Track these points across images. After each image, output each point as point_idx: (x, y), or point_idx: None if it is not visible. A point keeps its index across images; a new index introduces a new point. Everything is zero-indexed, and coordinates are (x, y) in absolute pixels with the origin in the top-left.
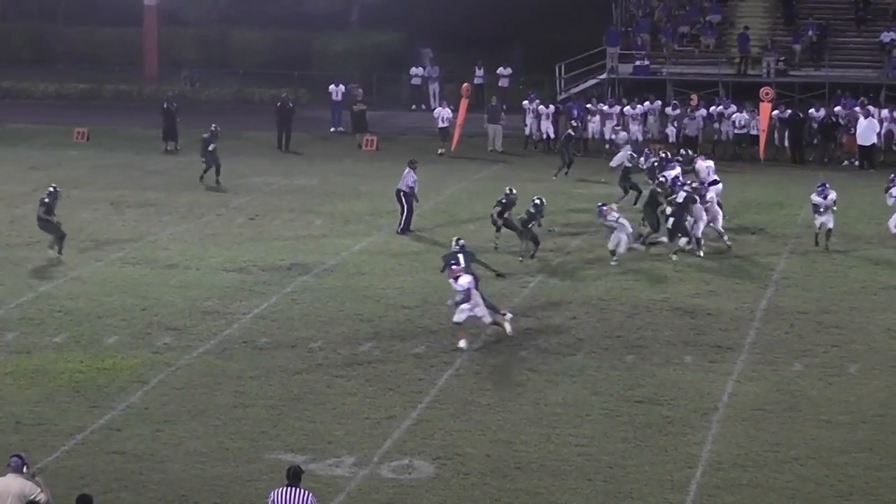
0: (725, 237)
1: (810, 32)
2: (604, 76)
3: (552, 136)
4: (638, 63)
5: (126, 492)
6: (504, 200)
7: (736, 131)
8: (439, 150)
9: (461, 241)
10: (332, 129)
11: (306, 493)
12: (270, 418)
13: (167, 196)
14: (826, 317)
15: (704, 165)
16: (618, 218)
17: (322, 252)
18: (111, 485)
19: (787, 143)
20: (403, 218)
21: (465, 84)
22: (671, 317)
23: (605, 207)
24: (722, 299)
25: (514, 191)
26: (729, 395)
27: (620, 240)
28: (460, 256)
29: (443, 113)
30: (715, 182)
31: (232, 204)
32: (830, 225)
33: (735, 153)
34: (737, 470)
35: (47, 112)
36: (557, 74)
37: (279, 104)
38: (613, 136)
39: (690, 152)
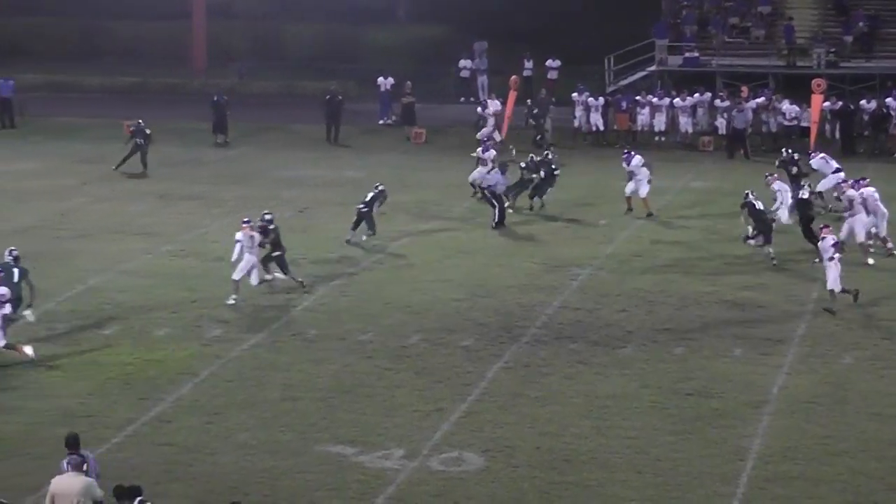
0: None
1: (861, 23)
2: (653, 68)
3: (602, 128)
4: (687, 55)
5: (176, 483)
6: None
7: (786, 123)
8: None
9: (14, 252)
10: (381, 122)
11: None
12: (319, 410)
13: (216, 189)
14: (876, 310)
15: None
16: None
17: (370, 244)
18: (161, 476)
19: (837, 135)
20: (495, 213)
21: (514, 77)
22: (721, 309)
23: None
24: (772, 292)
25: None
26: (779, 387)
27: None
28: (15, 271)
29: (491, 105)
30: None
31: (281, 197)
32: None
33: (782, 146)
34: (787, 463)
35: (96, 106)
36: (606, 66)
37: (328, 97)
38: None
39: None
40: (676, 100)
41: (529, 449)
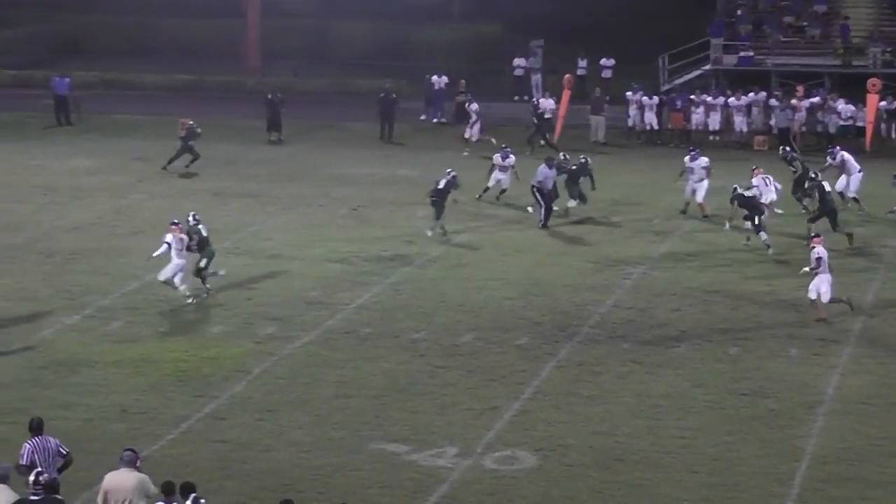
0: None
1: None
2: (707, 67)
3: (656, 127)
4: (742, 54)
5: (230, 480)
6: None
7: (841, 123)
8: (541, 142)
9: (196, 216)
10: (434, 120)
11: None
12: (373, 408)
13: (270, 187)
14: None
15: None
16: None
17: (424, 242)
18: (215, 473)
19: (893, 135)
20: (541, 212)
21: (568, 75)
22: (775, 309)
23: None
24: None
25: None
26: (834, 388)
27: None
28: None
29: (545, 104)
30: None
31: (335, 195)
32: None
33: (839, 146)
34: (842, 464)
35: (152, 103)
36: (661, 65)
37: (382, 95)
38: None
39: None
40: (731, 99)
41: (582, 448)
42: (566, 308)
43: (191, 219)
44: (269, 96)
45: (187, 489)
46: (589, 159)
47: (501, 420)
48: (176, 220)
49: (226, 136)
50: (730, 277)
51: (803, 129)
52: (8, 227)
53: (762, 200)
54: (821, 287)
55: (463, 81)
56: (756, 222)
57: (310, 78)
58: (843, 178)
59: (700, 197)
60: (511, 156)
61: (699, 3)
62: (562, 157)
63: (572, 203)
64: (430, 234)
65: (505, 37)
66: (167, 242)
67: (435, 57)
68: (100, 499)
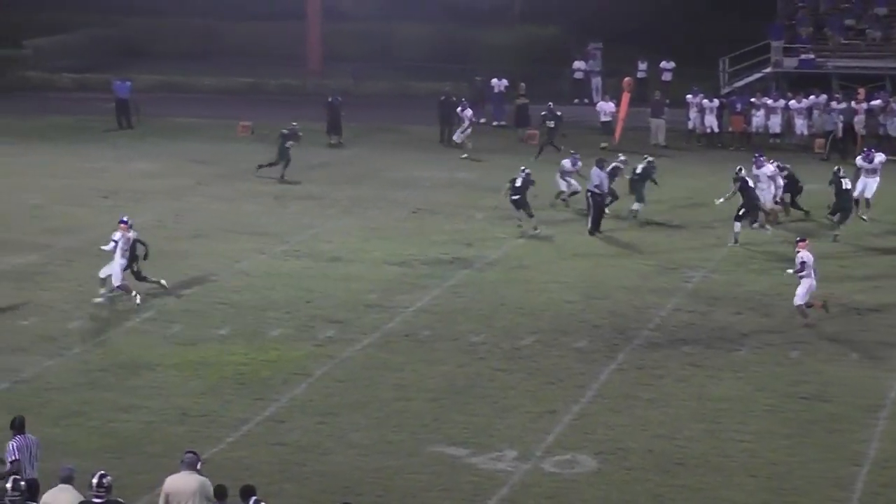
0: None
1: None
2: (768, 70)
3: (716, 130)
4: (803, 57)
5: (289, 483)
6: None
7: None
8: (602, 144)
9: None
10: (494, 123)
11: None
12: (432, 411)
13: (330, 189)
14: None
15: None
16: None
17: (484, 245)
18: (275, 476)
19: None
20: (590, 218)
21: (628, 78)
22: (835, 313)
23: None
24: (887, 295)
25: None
26: (895, 392)
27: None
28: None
29: (605, 107)
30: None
31: (394, 197)
32: None
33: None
34: None
35: (212, 106)
36: (721, 68)
37: (442, 98)
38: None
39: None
40: (792, 102)
41: (642, 451)
42: (626, 311)
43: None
44: (330, 99)
45: (247, 492)
46: (653, 160)
47: (561, 423)
48: (125, 219)
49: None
50: (790, 281)
51: (863, 132)
52: (68, 230)
53: (770, 190)
54: (800, 290)
55: (522, 84)
56: (745, 214)
57: (370, 81)
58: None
59: (767, 204)
60: (579, 161)
61: (759, 6)
62: (621, 159)
63: (637, 206)
64: (534, 231)
65: (565, 39)
66: (115, 240)
67: (495, 60)
68: (161, 501)
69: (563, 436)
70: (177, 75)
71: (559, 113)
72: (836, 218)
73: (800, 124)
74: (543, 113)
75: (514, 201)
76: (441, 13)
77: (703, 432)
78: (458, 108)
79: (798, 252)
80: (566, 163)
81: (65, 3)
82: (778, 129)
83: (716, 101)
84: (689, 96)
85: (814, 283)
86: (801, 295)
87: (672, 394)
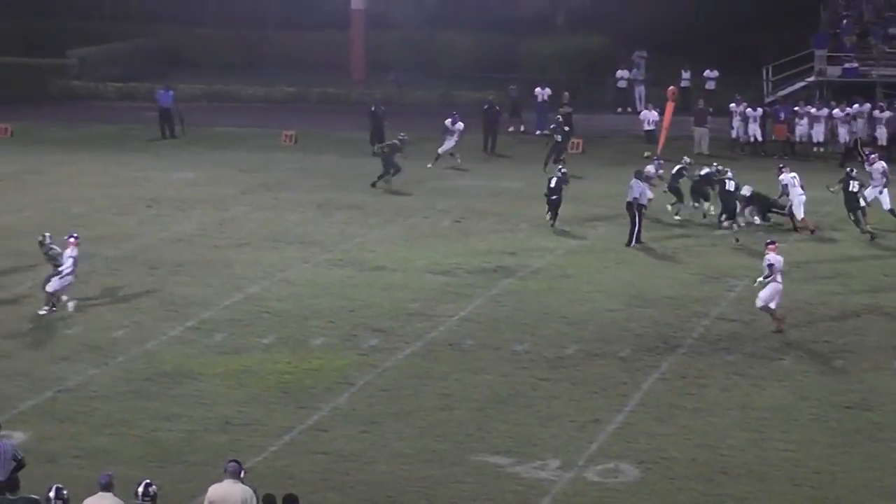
0: None
1: None
2: (811, 79)
3: (760, 139)
4: (846, 65)
5: (332, 492)
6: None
7: None
8: (645, 153)
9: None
10: (538, 132)
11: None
12: (475, 420)
13: (374, 198)
14: None
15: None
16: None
17: (527, 254)
18: (318, 485)
19: None
20: (629, 231)
21: (672, 87)
22: (880, 322)
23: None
24: None
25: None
26: None
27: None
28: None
29: (649, 116)
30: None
31: (438, 206)
32: None
33: None
34: None
35: (255, 115)
36: (764, 77)
37: (486, 107)
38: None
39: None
40: (835, 110)
41: (686, 461)
42: (669, 320)
43: (46, 238)
44: (373, 108)
45: (290, 501)
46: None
47: (604, 432)
48: (75, 235)
49: (329, 148)
50: (834, 289)
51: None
52: (112, 239)
53: (789, 199)
54: (763, 292)
55: (566, 93)
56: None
57: (413, 89)
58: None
59: (798, 212)
60: (662, 168)
61: (803, 15)
62: (686, 160)
63: (707, 205)
64: (553, 224)
65: (609, 48)
66: (72, 256)
67: (538, 68)
68: None
69: (606, 445)
70: (220, 85)
71: (567, 128)
72: (852, 219)
73: (843, 133)
74: (552, 126)
75: (550, 201)
76: (484, 22)
77: (747, 441)
78: (449, 121)
79: (767, 254)
80: (650, 168)
81: (109, 13)
82: (821, 138)
83: (759, 110)
84: (732, 105)
85: (780, 286)
86: (763, 297)
87: (715, 403)
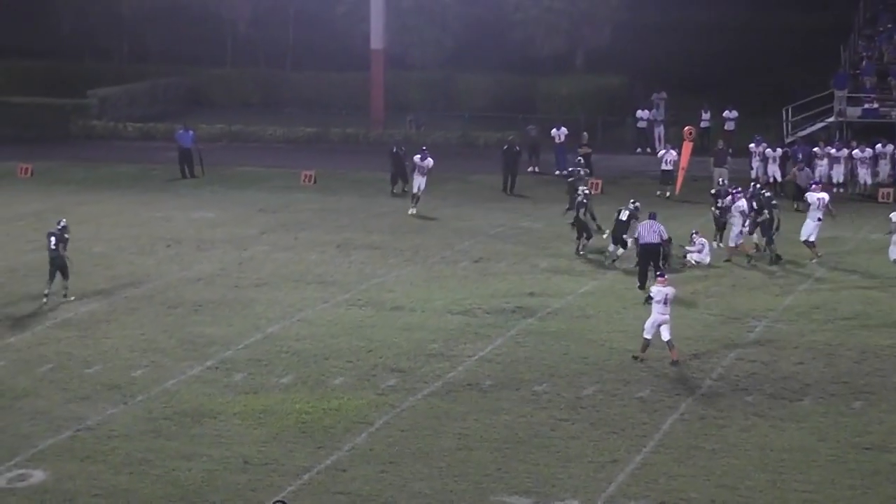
0: None
1: None
2: (832, 119)
3: (779, 179)
4: (867, 106)
5: None
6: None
7: None
8: (657, 192)
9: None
10: (557, 173)
11: None
12: (495, 461)
13: (393, 238)
14: None
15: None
16: None
17: (547, 295)
18: None
19: None
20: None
21: (688, 127)
22: None
23: None
24: None
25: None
26: None
27: None
28: None
29: (667, 156)
30: None
31: (457, 247)
32: None
33: None
34: None
35: (275, 155)
36: (784, 117)
37: (505, 147)
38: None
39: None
40: (856, 151)
41: (705, 501)
42: (689, 361)
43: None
44: (394, 149)
45: None
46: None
47: (623, 473)
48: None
49: (348, 188)
50: (855, 330)
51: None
52: (132, 278)
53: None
54: (647, 321)
55: (585, 134)
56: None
57: (433, 130)
58: None
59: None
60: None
61: (823, 55)
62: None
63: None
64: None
65: (628, 88)
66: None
67: (557, 108)
68: None
69: (625, 485)
70: (240, 125)
71: (588, 170)
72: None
73: (863, 173)
74: (569, 169)
75: (619, 238)
76: (503, 62)
77: (767, 482)
78: (418, 157)
79: (659, 287)
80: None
81: (129, 54)
82: (841, 179)
83: (779, 150)
84: (752, 145)
85: (665, 318)
86: (646, 326)
87: (735, 444)
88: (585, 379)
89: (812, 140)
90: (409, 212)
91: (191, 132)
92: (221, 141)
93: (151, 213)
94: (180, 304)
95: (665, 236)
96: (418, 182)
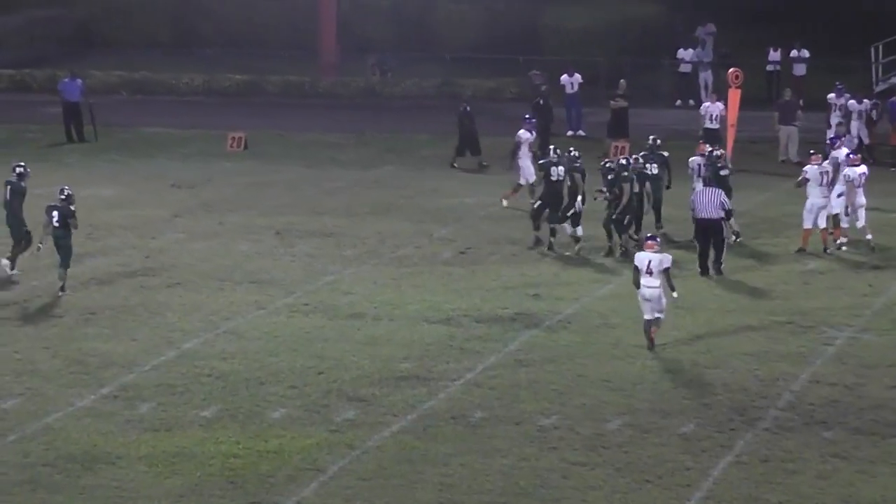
0: None
1: None
2: None
3: (866, 141)
4: None
5: None
6: None
7: None
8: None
9: None
10: (569, 133)
11: None
12: None
13: (350, 223)
14: None
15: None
16: None
17: (556, 297)
18: None
19: None
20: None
21: (733, 69)
22: None
23: None
24: None
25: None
26: None
27: None
28: None
29: (712, 110)
30: None
31: (435, 234)
32: None
33: None
34: None
35: (193, 112)
36: (873, 58)
37: (461, 109)
38: None
39: None
40: None
41: None
42: (747, 384)
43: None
44: (461, 108)
45: None
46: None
47: None
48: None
49: (291, 155)
50: None
51: None
52: None
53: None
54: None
55: (622, 82)
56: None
57: (404, 77)
58: None
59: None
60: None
61: None
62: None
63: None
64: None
65: (666, 20)
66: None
67: (567, 48)
68: None
69: None
70: (146, 71)
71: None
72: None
73: None
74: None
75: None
76: None
77: None
78: (523, 131)
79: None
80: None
81: None
82: None
83: (866, 103)
84: (831, 96)
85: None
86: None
87: (809, 495)
88: (609, 410)
89: None
90: (503, 203)
91: (78, 81)
92: (120, 93)
93: (28, 188)
94: (66, 313)
95: (728, 206)
96: (526, 167)
